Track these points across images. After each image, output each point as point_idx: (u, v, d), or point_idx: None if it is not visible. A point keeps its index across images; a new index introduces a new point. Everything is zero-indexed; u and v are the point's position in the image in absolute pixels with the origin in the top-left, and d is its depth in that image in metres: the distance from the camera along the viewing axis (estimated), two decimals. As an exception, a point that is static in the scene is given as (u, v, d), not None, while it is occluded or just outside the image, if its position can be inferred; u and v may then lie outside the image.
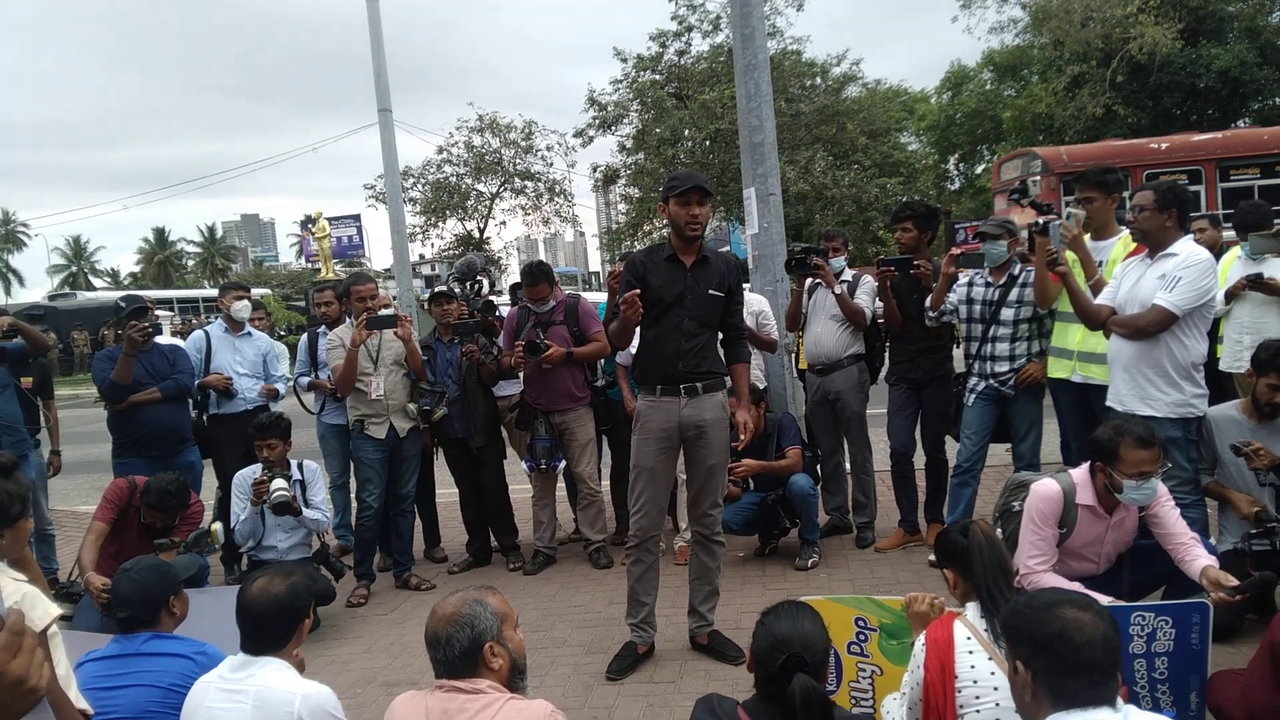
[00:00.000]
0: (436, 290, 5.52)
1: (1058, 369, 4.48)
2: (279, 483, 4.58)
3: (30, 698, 1.16)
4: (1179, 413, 3.77)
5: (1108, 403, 3.96)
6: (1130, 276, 3.91)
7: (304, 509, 4.69)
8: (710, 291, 3.80)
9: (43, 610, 2.12)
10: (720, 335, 3.97)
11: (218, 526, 4.46)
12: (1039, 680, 1.79)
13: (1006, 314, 4.68)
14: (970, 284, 4.85)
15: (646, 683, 3.82)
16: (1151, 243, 3.84)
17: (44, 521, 5.54)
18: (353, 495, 5.60)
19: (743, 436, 3.92)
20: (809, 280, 5.38)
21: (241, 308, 5.76)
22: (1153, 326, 3.72)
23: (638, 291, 3.63)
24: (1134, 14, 21.61)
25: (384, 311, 5.20)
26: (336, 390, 5.41)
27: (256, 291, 29.26)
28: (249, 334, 5.81)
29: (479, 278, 5.78)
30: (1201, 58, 23.05)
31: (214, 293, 36.89)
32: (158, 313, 6.27)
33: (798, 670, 2.02)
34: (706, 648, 4.04)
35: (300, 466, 4.87)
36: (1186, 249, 3.75)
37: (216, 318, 5.95)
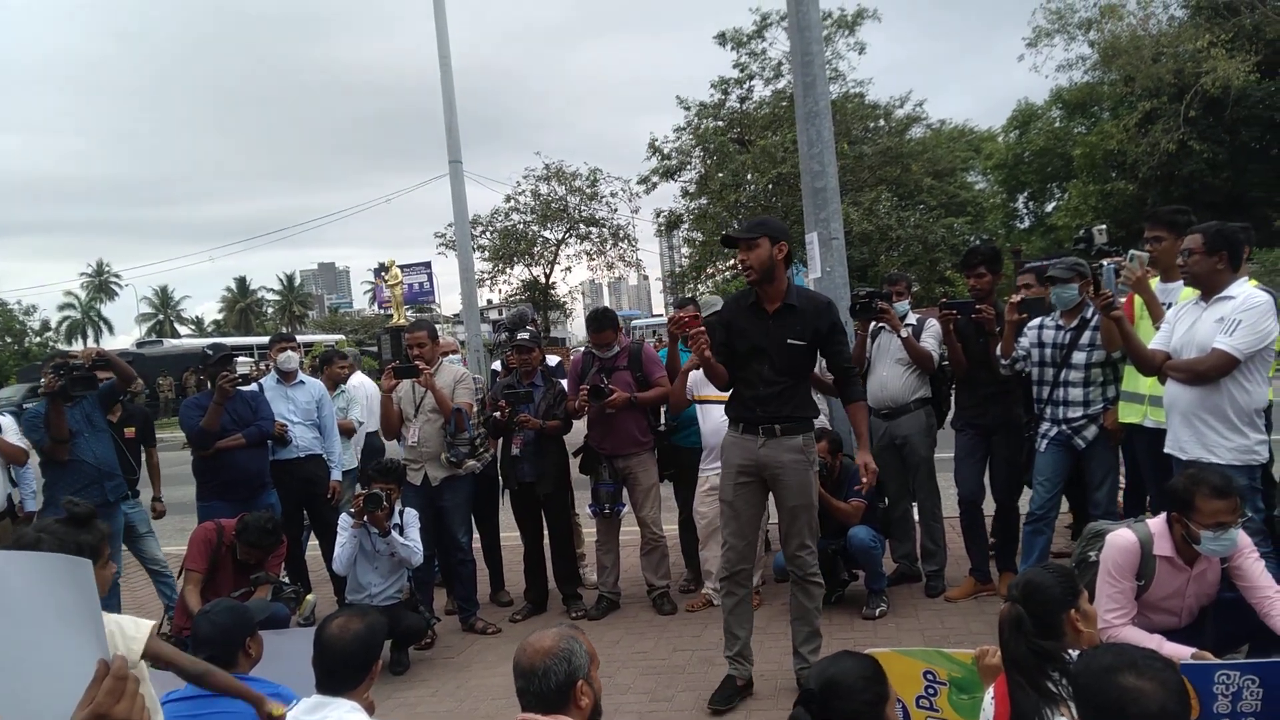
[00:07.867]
0: (519, 340, 5.63)
1: (1129, 414, 4.36)
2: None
3: None
4: (1243, 459, 3.62)
5: (1166, 449, 3.83)
6: (1185, 320, 3.81)
7: (395, 534, 4.76)
8: (789, 341, 3.86)
9: (125, 647, 2.26)
10: (832, 378, 4.18)
11: (311, 598, 4.62)
12: None
13: (1078, 358, 4.58)
14: (1041, 326, 4.76)
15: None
16: (1204, 286, 3.73)
17: (156, 562, 5.80)
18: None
19: (864, 479, 3.91)
20: (872, 324, 5.36)
21: (286, 359, 5.94)
22: (1213, 371, 3.61)
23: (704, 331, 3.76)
24: (1206, 48, 21.13)
25: (451, 357, 5.32)
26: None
27: (331, 338, 30.08)
28: (301, 382, 5.98)
29: (529, 326, 5.91)
30: (1281, 90, 22.42)
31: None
32: (239, 359, 6.54)
33: (802, 705, 1.98)
34: None
35: (401, 513, 4.97)
36: (1244, 291, 3.63)
37: (271, 367, 6.17)
